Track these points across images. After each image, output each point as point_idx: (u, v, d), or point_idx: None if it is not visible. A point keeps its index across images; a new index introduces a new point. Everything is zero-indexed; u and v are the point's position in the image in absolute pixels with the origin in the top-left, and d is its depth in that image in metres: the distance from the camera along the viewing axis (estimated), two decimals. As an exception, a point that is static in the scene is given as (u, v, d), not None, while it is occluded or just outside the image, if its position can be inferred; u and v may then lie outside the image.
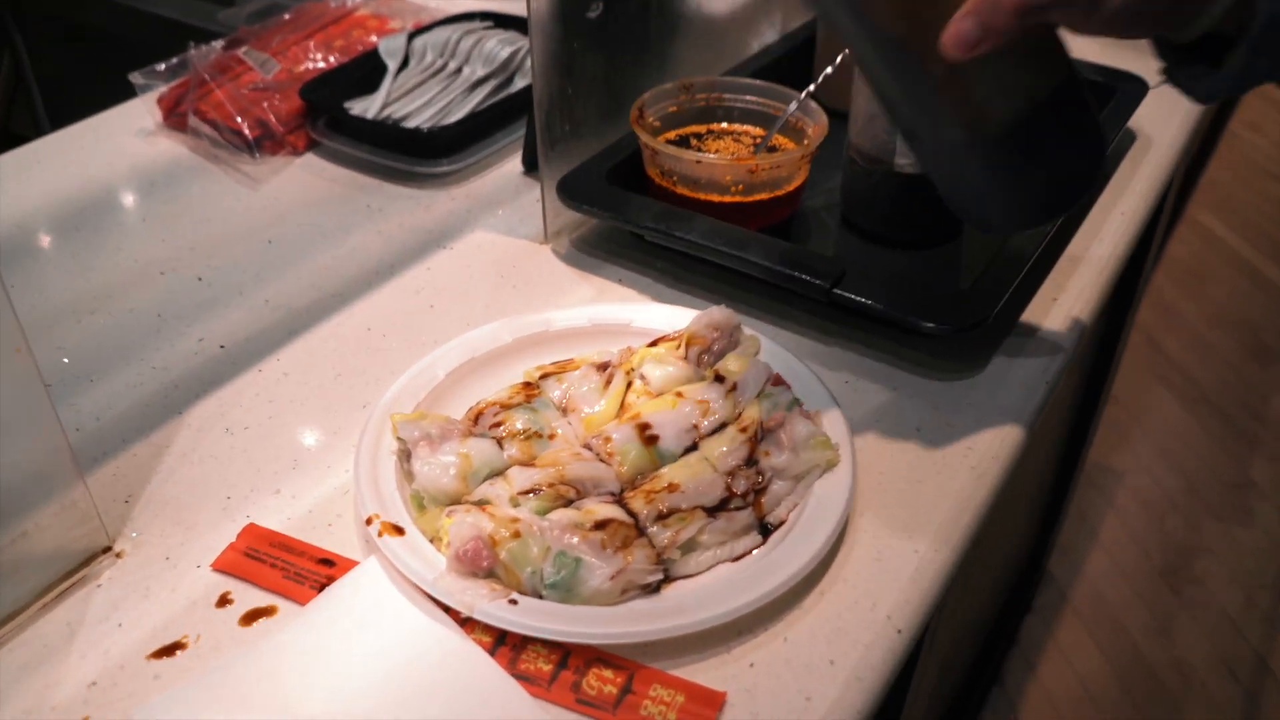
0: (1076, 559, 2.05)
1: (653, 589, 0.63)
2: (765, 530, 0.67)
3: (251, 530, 0.67)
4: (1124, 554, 2.08)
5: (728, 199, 0.90)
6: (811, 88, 0.93)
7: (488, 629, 0.59)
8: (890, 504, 0.69)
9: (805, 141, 0.93)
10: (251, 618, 0.62)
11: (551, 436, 0.71)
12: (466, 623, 0.60)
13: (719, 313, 0.78)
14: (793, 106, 0.94)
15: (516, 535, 0.61)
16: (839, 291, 0.79)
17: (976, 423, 0.75)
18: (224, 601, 0.63)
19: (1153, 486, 2.23)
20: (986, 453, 0.73)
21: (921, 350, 0.81)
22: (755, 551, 0.65)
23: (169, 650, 0.60)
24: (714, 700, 0.57)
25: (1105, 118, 1.00)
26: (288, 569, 0.64)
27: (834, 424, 0.71)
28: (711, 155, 0.93)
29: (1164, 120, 1.11)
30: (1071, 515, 2.09)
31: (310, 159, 1.08)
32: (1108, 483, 2.22)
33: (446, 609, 0.60)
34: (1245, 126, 3.47)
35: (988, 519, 0.71)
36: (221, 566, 0.64)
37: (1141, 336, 2.55)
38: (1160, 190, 1.04)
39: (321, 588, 0.63)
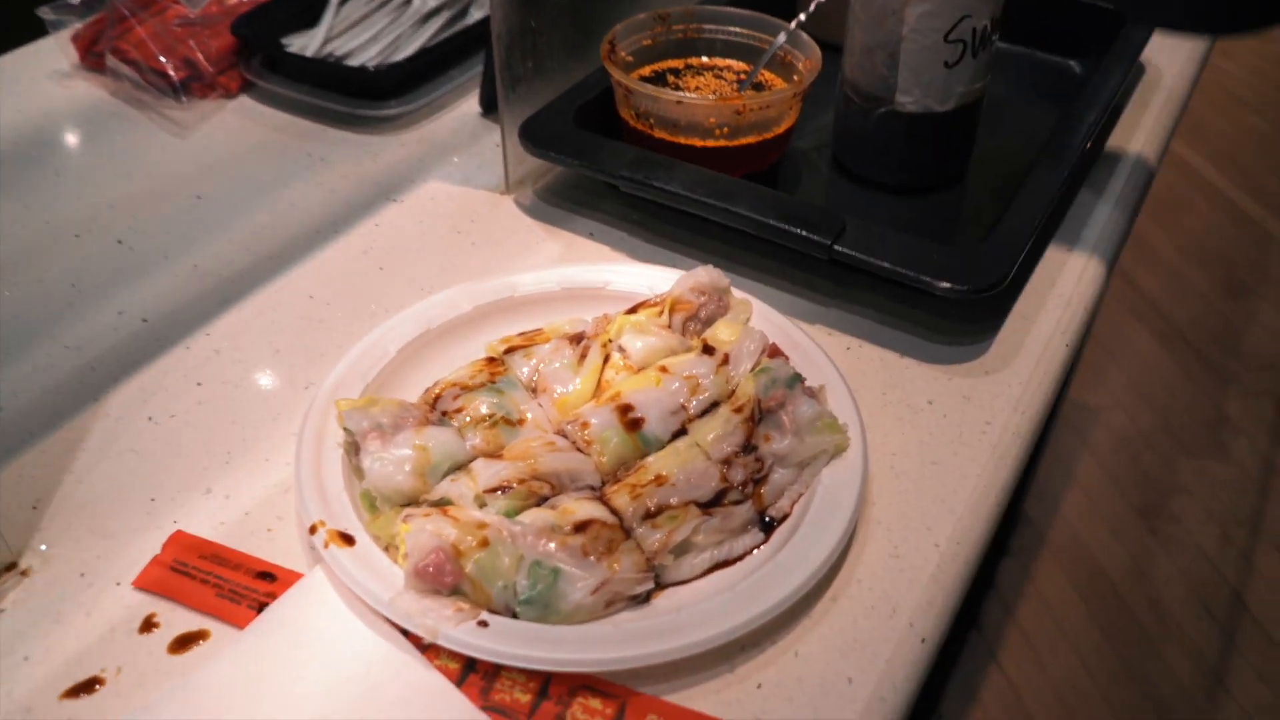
0: (1053, 501, 2.02)
1: (642, 599, 0.55)
2: (766, 525, 0.59)
3: (179, 539, 0.58)
4: (1100, 494, 2.05)
5: (710, 143, 0.81)
6: (802, 17, 0.84)
7: (455, 654, 0.52)
8: (905, 491, 0.62)
9: (796, 78, 0.84)
10: (181, 644, 0.53)
11: (520, 422, 0.62)
12: (430, 647, 0.52)
13: (706, 274, 0.70)
14: (781, 39, 0.85)
15: (484, 544, 0.53)
16: (841, 249, 0.70)
17: (993, 393, 0.68)
18: (149, 626, 0.54)
19: (1128, 424, 2.19)
20: (1007, 428, 0.66)
21: (930, 311, 0.74)
22: (756, 551, 0.58)
23: (85, 687, 0.52)
24: (718, 732, 0.50)
25: (1115, 50, 0.91)
26: (221, 585, 0.55)
27: (840, 401, 0.63)
28: (692, 95, 0.83)
29: (1172, 51, 1.03)
30: (1048, 456, 2.05)
31: (244, 102, 0.97)
32: (1083, 421, 2.18)
33: (406, 631, 0.52)
34: (1217, 53, 3.39)
35: (1010, 504, 0.64)
36: (145, 584, 0.56)
37: (1117, 271, 2.50)
38: (1173, 125, 0.96)
39: (261, 607, 0.54)
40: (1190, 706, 1.62)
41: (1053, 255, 0.79)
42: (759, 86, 0.86)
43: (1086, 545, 1.95)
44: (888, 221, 0.79)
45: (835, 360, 0.66)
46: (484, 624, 0.51)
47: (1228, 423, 2.23)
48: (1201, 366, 2.34)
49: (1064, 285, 0.77)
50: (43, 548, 0.58)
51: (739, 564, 0.57)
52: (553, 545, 0.54)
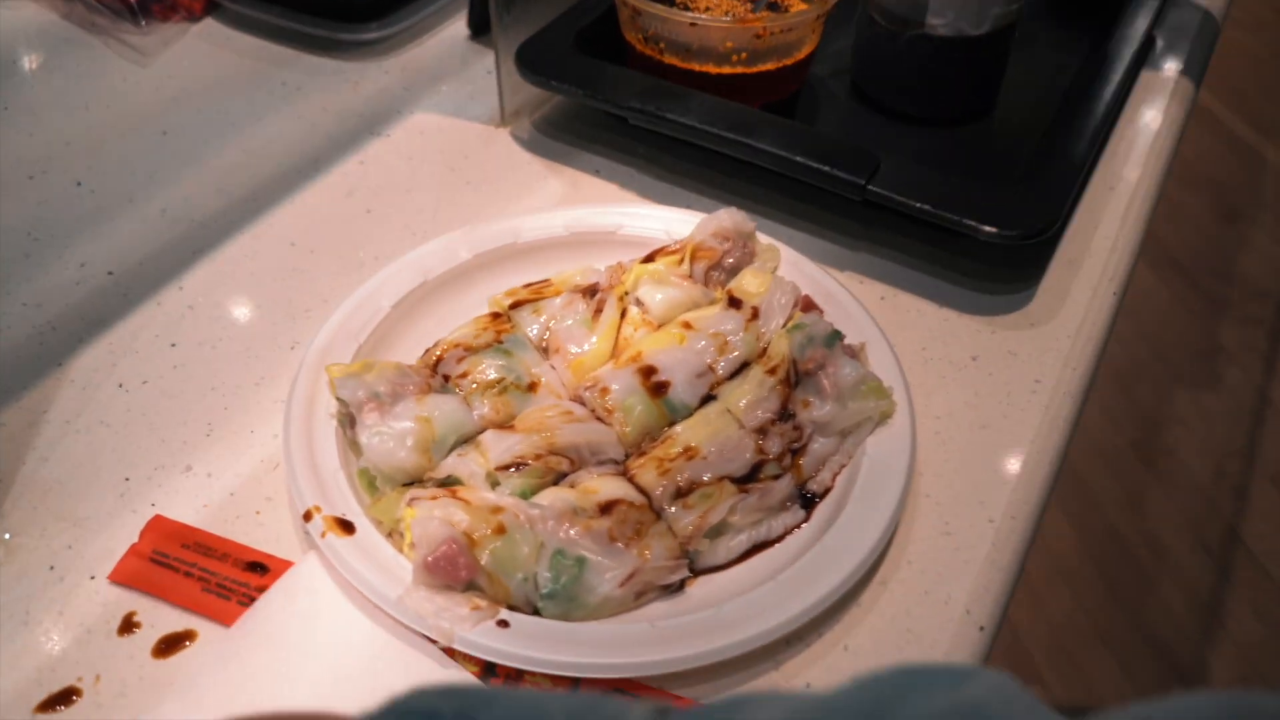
0: (1047, 434, 1.99)
1: (675, 588, 0.50)
2: (806, 501, 0.54)
3: (158, 525, 0.52)
4: (1094, 426, 2.03)
5: (726, 70, 0.74)
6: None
7: (468, 657, 0.46)
8: (954, 460, 0.56)
9: (818, -3, 0.76)
10: (167, 647, 0.48)
11: (532, 387, 0.57)
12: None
13: (729, 216, 0.63)
14: (801, -47, 0.77)
15: (500, 530, 0.48)
16: (876, 189, 0.64)
17: (1041, 347, 0.63)
18: (129, 626, 0.49)
19: (1121, 354, 2.16)
20: (1058, 386, 0.61)
21: (968, 256, 0.68)
22: (799, 529, 0.53)
23: (61, 699, 0.46)
24: (766, 739, 0.45)
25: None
26: (207, 579, 0.50)
27: (883, 361, 0.57)
28: (705, 16, 0.76)
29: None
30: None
31: (210, 25, 0.89)
32: (1077, 352, 2.15)
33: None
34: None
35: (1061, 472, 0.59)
36: (122, 578, 0.50)
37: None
38: (1208, 51, 0.90)
39: (253, 603, 0.49)
40: (1186, 643, 1.61)
41: (1094, 194, 0.73)
42: (774, 6, 0.79)
43: (1082, 479, 1.92)
44: (915, 156, 0.72)
45: (872, 313, 0.60)
46: (504, 624, 0.46)
47: (1222, 352, 2.20)
48: (1195, 294, 2.31)
49: (1108, 227, 0.71)
50: (6, 536, 0.52)
51: (779, 545, 0.52)
52: (576, 531, 0.48)
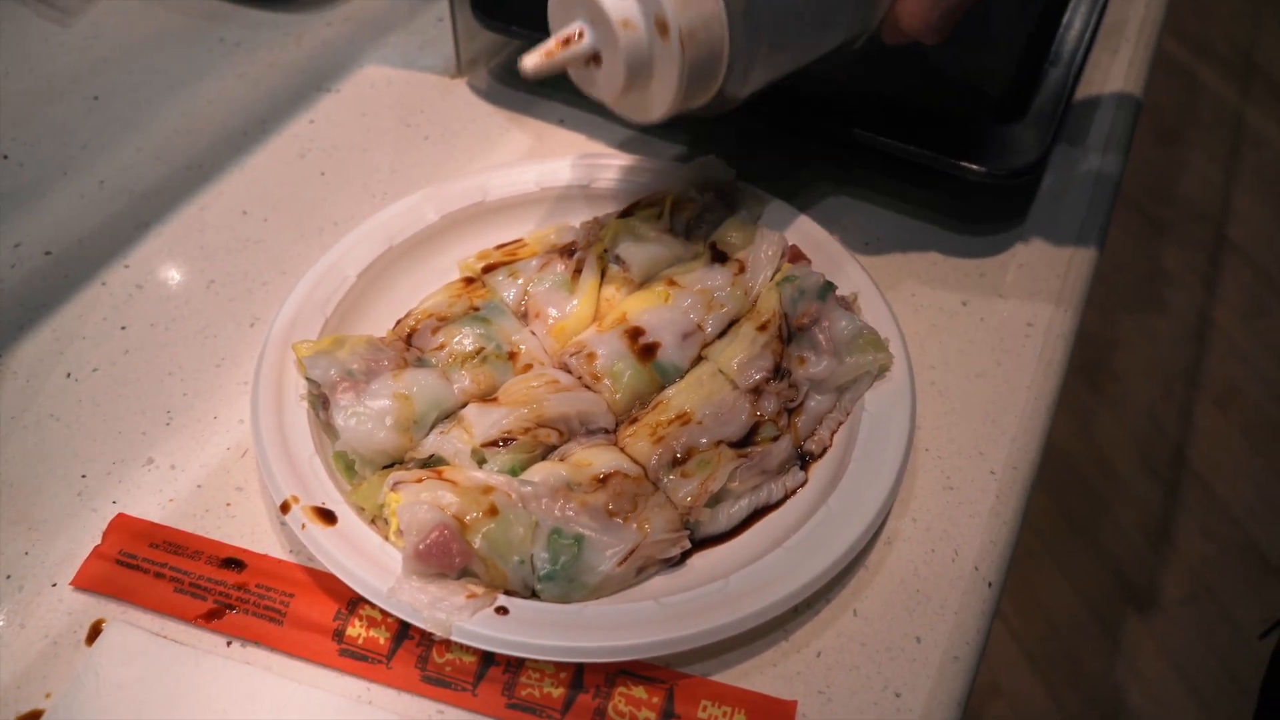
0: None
1: (676, 560, 0.48)
2: (803, 461, 0.52)
3: (122, 524, 0.49)
4: (1042, 352, 2.04)
5: (691, 10, 0.70)
6: None
7: (466, 647, 0.44)
8: (952, 411, 0.55)
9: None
10: (138, 653, 0.45)
11: (512, 355, 0.54)
12: (440, 642, 0.44)
13: (708, 165, 0.61)
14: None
15: (492, 512, 0.45)
16: (860, 130, 0.61)
17: (1031, 289, 0.61)
18: (97, 634, 0.46)
19: (1067, 280, 2.17)
20: (1050, 328, 0.59)
21: (955, 197, 0.66)
22: (800, 492, 0.51)
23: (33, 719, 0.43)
24: (784, 714, 0.43)
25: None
26: (180, 578, 0.47)
27: (877, 311, 0.55)
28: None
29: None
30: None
31: (134, -23, 0.83)
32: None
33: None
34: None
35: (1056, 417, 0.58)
36: (87, 583, 0.47)
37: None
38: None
39: (228, 603, 0.46)
40: (1139, 563, 1.63)
41: (1071, 127, 0.71)
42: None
43: (1033, 405, 1.94)
44: (889, 84, 0.70)
45: (860, 261, 0.58)
46: (503, 610, 0.44)
47: (1164, 275, 2.22)
48: (1136, 218, 2.32)
49: (1090, 161, 0.69)
50: (-44, 544, 0.48)
51: (780, 509, 0.50)
52: (572, 507, 0.46)
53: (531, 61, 0.49)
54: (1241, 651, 1.53)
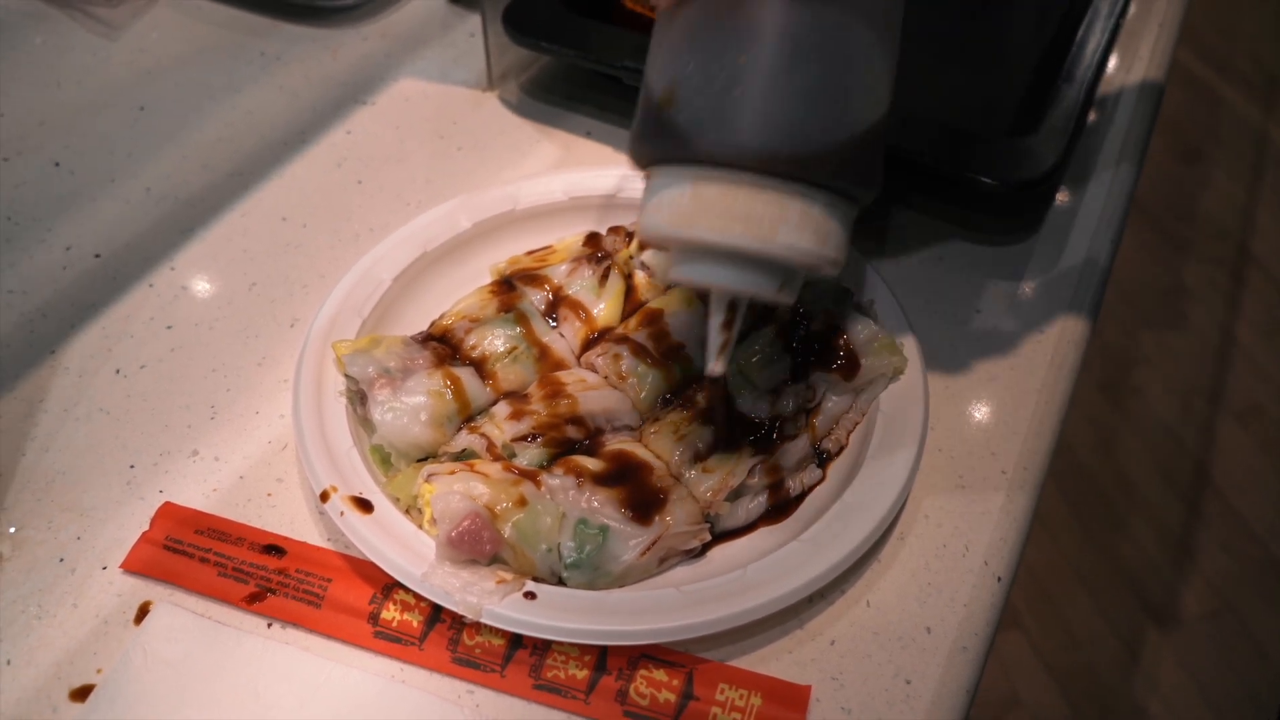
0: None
1: (696, 551, 0.50)
2: (820, 459, 0.54)
3: (169, 512, 0.51)
4: (1063, 368, 2.04)
5: (715, 27, 0.72)
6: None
7: (495, 630, 0.46)
8: (964, 413, 0.57)
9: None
10: (184, 633, 0.47)
11: (542, 355, 0.56)
12: (470, 624, 0.46)
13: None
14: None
15: (521, 503, 0.47)
16: (875, 144, 0.63)
17: (1043, 296, 0.63)
18: (145, 615, 0.48)
19: (1088, 295, 2.18)
20: (1062, 336, 0.61)
21: (967, 207, 0.67)
22: (817, 489, 0.53)
23: (77, 696, 0.45)
24: (798, 698, 0.45)
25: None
26: (223, 564, 0.49)
27: (891, 315, 0.57)
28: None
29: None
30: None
31: (178, -6, 0.86)
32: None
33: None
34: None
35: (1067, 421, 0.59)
36: (136, 566, 0.49)
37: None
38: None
39: (269, 587, 0.48)
40: (1159, 579, 1.63)
41: (1085, 140, 0.73)
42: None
43: (1054, 421, 1.94)
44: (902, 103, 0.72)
45: (877, 268, 0.60)
46: (531, 595, 0.46)
47: (1185, 291, 2.22)
48: (1157, 235, 2.32)
49: (1102, 173, 0.71)
50: (12, 530, 0.51)
51: (798, 506, 0.52)
52: (598, 500, 0.48)
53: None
54: (1262, 668, 1.52)
